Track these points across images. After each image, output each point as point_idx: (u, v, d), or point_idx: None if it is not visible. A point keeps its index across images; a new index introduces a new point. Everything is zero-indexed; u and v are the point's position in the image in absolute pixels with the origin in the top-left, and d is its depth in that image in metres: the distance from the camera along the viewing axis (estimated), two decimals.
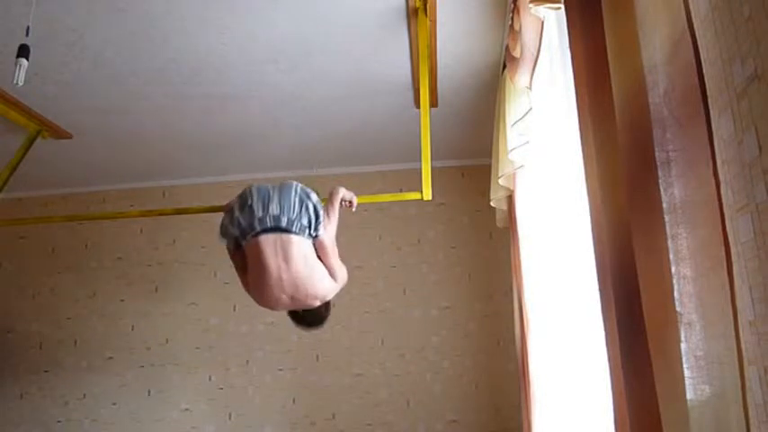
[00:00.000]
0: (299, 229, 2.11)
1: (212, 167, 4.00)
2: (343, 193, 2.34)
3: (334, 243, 2.25)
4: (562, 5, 1.51)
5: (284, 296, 2.14)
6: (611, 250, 1.04)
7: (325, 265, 2.20)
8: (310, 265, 2.14)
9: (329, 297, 2.23)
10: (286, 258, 2.09)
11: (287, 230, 2.09)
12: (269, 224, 2.09)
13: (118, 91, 2.88)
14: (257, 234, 2.10)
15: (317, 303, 2.20)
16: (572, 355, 1.80)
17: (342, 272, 2.26)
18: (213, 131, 3.37)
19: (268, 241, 2.09)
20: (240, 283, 2.28)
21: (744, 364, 0.66)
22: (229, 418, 3.83)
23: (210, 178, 4.14)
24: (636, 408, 0.93)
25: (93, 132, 3.33)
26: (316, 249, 2.18)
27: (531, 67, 1.98)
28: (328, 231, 2.21)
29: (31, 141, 3.12)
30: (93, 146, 3.53)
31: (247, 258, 2.16)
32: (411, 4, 2.29)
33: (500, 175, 2.63)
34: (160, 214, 2.94)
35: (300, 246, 2.11)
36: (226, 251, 2.28)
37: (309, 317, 2.29)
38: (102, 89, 2.85)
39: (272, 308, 2.21)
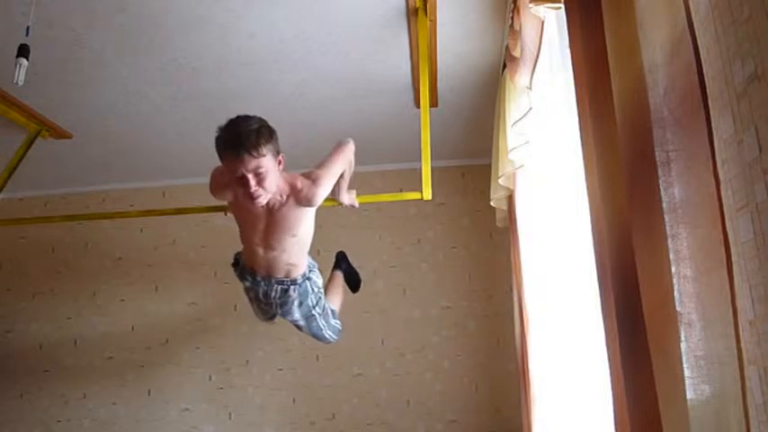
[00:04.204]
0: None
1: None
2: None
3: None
4: (562, 5, 1.51)
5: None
6: (611, 250, 1.04)
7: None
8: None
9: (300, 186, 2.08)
10: None
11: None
12: None
13: (118, 91, 2.88)
14: None
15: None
16: (572, 355, 1.80)
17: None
18: (213, 131, 3.36)
19: None
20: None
21: (744, 364, 0.66)
22: (229, 418, 3.83)
23: None
24: (636, 408, 0.93)
25: (93, 132, 3.33)
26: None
27: (531, 67, 1.98)
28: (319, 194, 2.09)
29: (31, 141, 3.12)
30: (93, 146, 3.52)
31: None
32: (411, 4, 2.28)
33: (500, 175, 2.63)
34: (160, 214, 2.94)
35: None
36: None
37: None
38: (102, 89, 2.85)
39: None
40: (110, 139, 3.44)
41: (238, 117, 1.96)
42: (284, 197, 2.09)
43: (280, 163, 2.01)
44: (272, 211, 2.11)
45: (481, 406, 3.69)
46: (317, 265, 2.50)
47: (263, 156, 1.88)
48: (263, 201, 1.98)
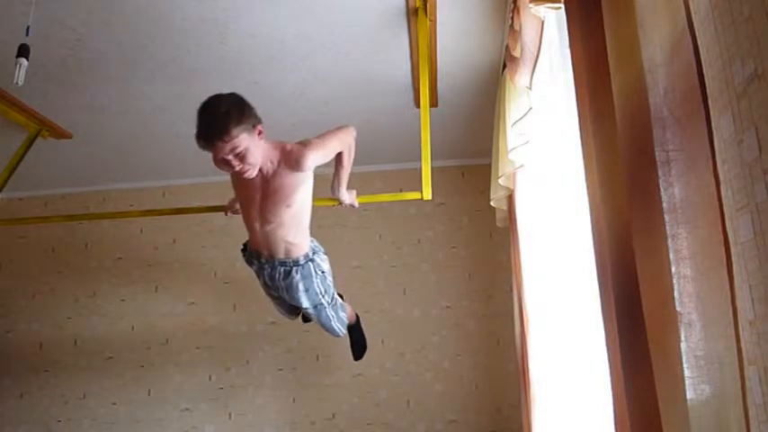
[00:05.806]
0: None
1: (212, 167, 3.97)
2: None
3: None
4: (562, 5, 1.51)
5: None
6: (611, 250, 1.04)
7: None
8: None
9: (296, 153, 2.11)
10: None
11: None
12: None
13: (118, 91, 2.88)
14: None
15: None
16: (572, 355, 1.80)
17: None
18: None
19: None
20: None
21: (744, 364, 0.66)
22: (229, 418, 3.83)
23: (210, 178, 4.13)
24: (636, 408, 0.93)
25: (93, 132, 3.33)
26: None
27: (531, 67, 1.98)
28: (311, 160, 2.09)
29: (31, 141, 3.12)
30: (93, 146, 3.52)
31: None
32: (411, 4, 2.29)
33: (500, 174, 2.63)
34: (160, 214, 2.94)
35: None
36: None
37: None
38: (102, 89, 2.85)
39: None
40: (110, 139, 3.44)
41: (208, 100, 1.96)
42: (276, 163, 2.11)
43: (260, 133, 2.03)
44: (266, 180, 2.14)
45: (481, 406, 3.69)
46: (322, 249, 2.49)
47: (236, 137, 1.91)
48: (252, 173, 2.03)
